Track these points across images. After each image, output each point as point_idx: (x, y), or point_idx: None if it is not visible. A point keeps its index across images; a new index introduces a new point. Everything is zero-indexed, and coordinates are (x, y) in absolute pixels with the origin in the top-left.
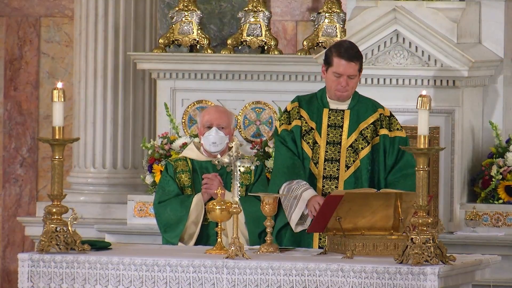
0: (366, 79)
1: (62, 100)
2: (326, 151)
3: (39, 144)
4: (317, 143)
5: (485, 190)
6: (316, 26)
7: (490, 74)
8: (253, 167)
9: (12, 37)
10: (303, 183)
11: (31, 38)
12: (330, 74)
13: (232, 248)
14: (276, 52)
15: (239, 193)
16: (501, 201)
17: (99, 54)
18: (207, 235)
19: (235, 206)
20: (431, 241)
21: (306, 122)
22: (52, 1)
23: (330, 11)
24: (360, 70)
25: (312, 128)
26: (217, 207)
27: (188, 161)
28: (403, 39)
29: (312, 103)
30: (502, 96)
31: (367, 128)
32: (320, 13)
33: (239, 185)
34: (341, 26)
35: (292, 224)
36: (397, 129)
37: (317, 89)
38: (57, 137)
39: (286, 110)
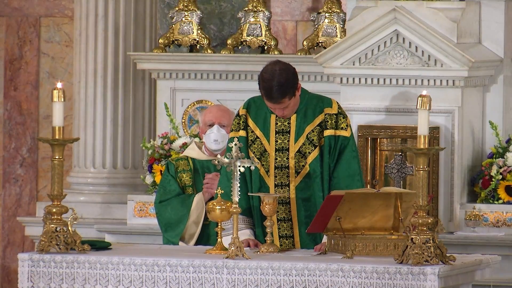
0: (366, 79)
1: (62, 100)
2: (276, 159)
3: (39, 144)
4: (267, 151)
5: (485, 190)
6: (316, 26)
7: (490, 74)
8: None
9: (12, 37)
10: (243, 223)
11: (31, 38)
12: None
13: (232, 248)
14: (276, 52)
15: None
16: (501, 201)
17: (99, 54)
18: (207, 235)
19: (235, 206)
20: (431, 241)
21: (252, 131)
22: (52, 1)
23: (330, 11)
24: (293, 95)
25: (257, 137)
26: (217, 207)
27: (189, 160)
28: (403, 39)
29: (262, 108)
30: (502, 96)
31: (313, 131)
32: (320, 13)
33: (239, 184)
34: (341, 26)
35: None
36: (342, 128)
37: (317, 89)
38: (57, 137)
39: (238, 114)
